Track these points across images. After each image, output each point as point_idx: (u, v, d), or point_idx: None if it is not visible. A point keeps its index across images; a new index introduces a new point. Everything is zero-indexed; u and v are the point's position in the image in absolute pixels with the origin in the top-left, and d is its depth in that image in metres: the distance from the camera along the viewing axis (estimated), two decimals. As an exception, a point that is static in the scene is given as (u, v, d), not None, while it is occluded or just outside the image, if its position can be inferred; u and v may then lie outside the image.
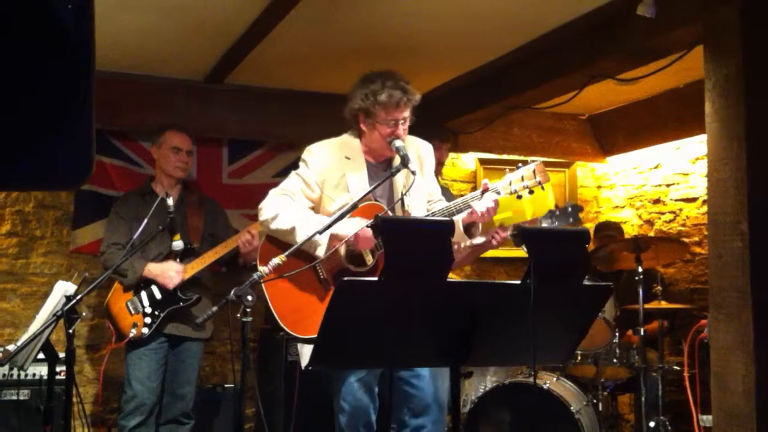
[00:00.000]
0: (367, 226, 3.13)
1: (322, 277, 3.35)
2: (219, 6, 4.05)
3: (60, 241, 5.50)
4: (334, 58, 4.89)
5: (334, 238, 3.20)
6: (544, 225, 4.00)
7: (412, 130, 3.54)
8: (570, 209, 3.95)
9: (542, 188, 3.38)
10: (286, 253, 2.98)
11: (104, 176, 5.43)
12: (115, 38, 4.47)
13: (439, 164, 5.01)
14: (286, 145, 5.93)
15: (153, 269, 4.42)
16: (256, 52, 4.74)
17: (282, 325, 3.29)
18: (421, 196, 3.52)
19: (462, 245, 3.65)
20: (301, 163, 3.53)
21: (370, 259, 3.32)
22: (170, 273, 4.40)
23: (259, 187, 5.67)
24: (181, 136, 4.69)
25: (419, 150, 3.58)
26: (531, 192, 3.37)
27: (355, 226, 3.18)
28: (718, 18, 3.47)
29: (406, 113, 3.40)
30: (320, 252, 3.22)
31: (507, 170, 3.38)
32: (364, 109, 3.41)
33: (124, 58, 4.90)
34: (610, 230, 6.03)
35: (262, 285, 3.26)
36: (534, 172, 3.32)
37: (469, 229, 3.46)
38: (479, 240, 4.15)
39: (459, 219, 3.38)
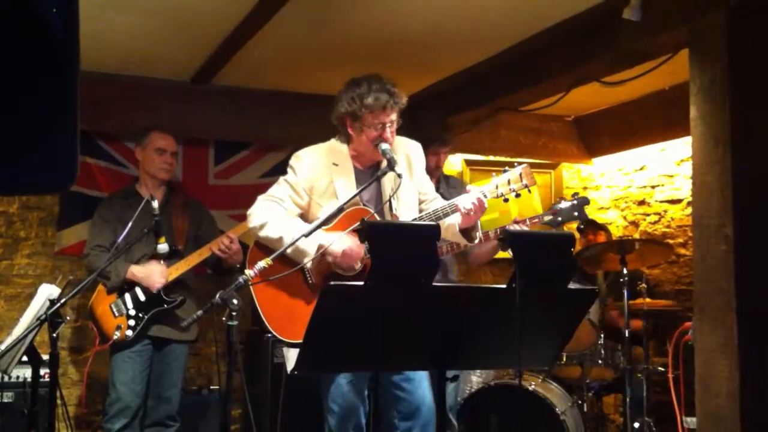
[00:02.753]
0: (353, 230, 3.13)
1: (310, 281, 3.35)
2: (205, 7, 4.04)
3: (45, 242, 5.47)
4: (321, 59, 4.88)
5: (320, 248, 3.22)
6: (547, 219, 3.97)
7: (405, 133, 3.54)
8: (576, 202, 3.85)
9: (528, 191, 3.40)
10: (272, 256, 3.00)
11: (90, 177, 5.39)
12: (101, 39, 4.44)
13: (437, 169, 4.86)
14: (273, 146, 5.93)
15: (137, 272, 4.39)
16: (243, 53, 4.72)
17: (272, 330, 3.29)
18: (410, 199, 3.51)
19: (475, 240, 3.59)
20: (288, 170, 3.52)
21: (357, 264, 3.33)
22: (155, 275, 4.38)
23: (245, 188, 5.68)
24: (166, 137, 4.66)
25: (407, 150, 3.57)
26: (518, 195, 3.39)
27: (342, 243, 3.20)
28: (704, 22, 3.49)
29: (393, 116, 3.40)
30: (306, 260, 3.24)
31: (493, 174, 3.38)
32: (351, 113, 3.40)
33: (110, 58, 4.87)
34: (593, 227, 6.05)
35: (252, 290, 3.27)
36: (520, 175, 3.33)
37: (469, 233, 3.44)
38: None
39: (455, 222, 3.37)
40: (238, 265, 4.49)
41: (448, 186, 4.83)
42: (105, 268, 4.07)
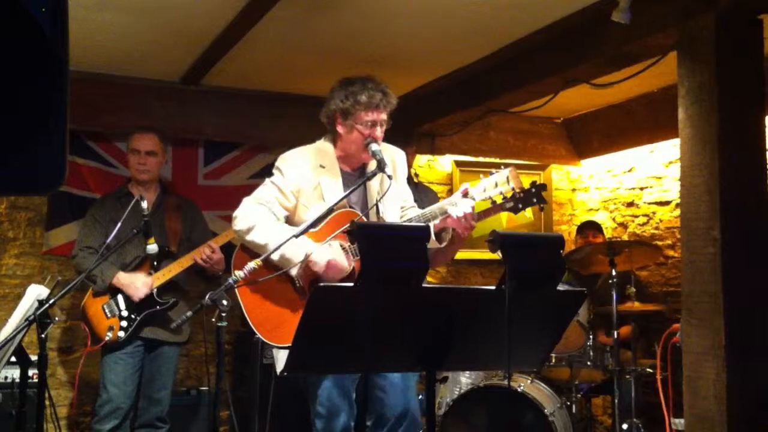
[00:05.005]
0: (343, 232, 3.12)
1: (298, 285, 3.33)
2: (195, 7, 4.03)
3: (33, 242, 5.44)
4: (311, 59, 4.88)
5: (309, 263, 3.21)
6: (508, 206, 4.02)
7: (388, 131, 3.55)
8: (534, 189, 3.95)
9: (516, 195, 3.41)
10: (262, 257, 2.99)
11: (78, 177, 5.38)
12: (91, 39, 4.43)
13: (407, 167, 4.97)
14: (263, 147, 5.92)
15: (122, 279, 4.38)
16: (233, 54, 4.72)
17: (258, 334, 3.27)
18: (395, 202, 3.52)
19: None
20: (275, 171, 3.50)
21: (347, 266, 3.32)
22: (137, 284, 4.36)
23: (235, 188, 5.67)
24: (141, 137, 4.60)
25: (393, 156, 3.58)
26: (505, 198, 3.40)
27: (326, 255, 3.20)
28: (692, 25, 3.51)
29: (384, 116, 3.41)
30: (293, 272, 3.23)
31: (481, 176, 3.40)
32: (343, 110, 3.40)
33: (100, 58, 4.86)
34: (592, 228, 6.10)
35: (237, 294, 3.24)
36: (507, 178, 3.35)
37: (440, 234, 3.46)
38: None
39: (431, 224, 3.38)
40: (220, 272, 4.49)
41: (418, 192, 4.85)
42: (92, 270, 4.06)
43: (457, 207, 3.28)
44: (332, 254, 3.23)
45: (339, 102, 3.40)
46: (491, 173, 3.37)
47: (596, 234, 6.00)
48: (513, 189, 3.33)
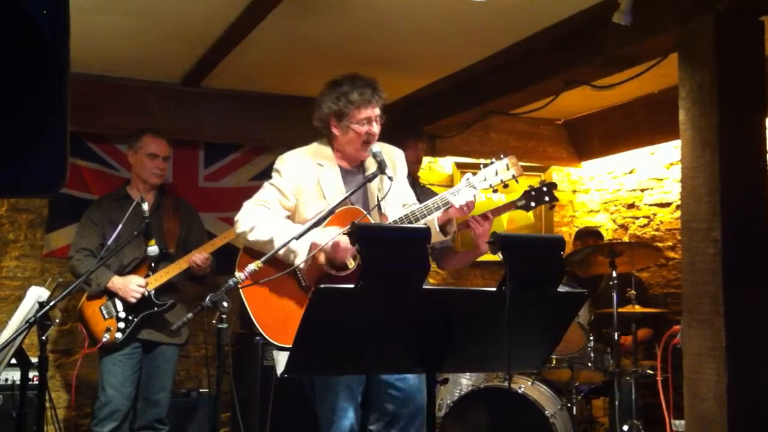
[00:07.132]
0: (344, 233, 3.12)
1: (303, 284, 3.32)
2: (196, 9, 4.04)
3: (33, 244, 5.45)
4: (311, 61, 4.89)
5: (313, 246, 3.20)
6: (520, 204, 4.07)
7: (392, 132, 3.55)
8: (545, 188, 3.99)
9: (516, 182, 3.44)
10: (262, 259, 2.98)
11: (79, 179, 5.38)
12: (91, 41, 4.43)
13: (416, 162, 5.04)
14: (263, 149, 5.92)
15: (116, 282, 4.38)
16: (234, 56, 4.72)
17: (266, 336, 3.26)
18: (396, 202, 3.52)
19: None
20: (274, 173, 3.51)
21: (351, 263, 3.31)
22: (131, 286, 4.36)
23: (235, 190, 5.68)
24: (159, 142, 4.64)
25: (392, 156, 3.58)
26: (506, 186, 3.44)
27: (332, 235, 3.18)
28: (693, 27, 3.51)
29: (377, 110, 3.43)
30: (298, 261, 3.21)
31: (481, 166, 3.43)
32: (337, 112, 3.41)
33: (100, 60, 4.86)
34: (591, 235, 6.10)
35: (243, 296, 3.24)
36: (507, 165, 3.39)
37: (444, 227, 3.46)
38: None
39: (434, 218, 3.39)
40: (208, 270, 4.51)
41: (422, 194, 4.87)
42: (89, 274, 4.05)
43: (459, 196, 3.29)
44: (335, 234, 3.20)
45: (331, 104, 3.42)
46: (491, 162, 3.41)
47: (597, 242, 5.97)
48: (513, 176, 3.37)
